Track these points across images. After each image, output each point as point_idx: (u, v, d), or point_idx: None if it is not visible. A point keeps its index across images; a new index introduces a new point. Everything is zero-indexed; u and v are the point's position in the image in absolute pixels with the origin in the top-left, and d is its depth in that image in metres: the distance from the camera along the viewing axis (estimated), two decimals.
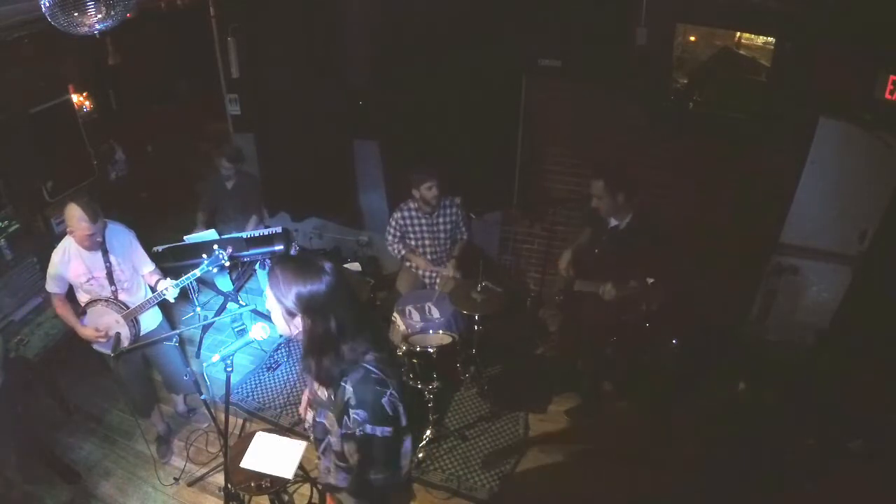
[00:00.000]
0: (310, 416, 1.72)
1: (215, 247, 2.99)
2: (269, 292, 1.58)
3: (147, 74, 5.50)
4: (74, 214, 2.65)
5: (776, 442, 3.15)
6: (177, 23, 4.70)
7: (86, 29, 2.15)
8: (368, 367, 1.55)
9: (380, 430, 1.53)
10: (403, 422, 1.60)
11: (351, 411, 1.52)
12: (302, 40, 4.07)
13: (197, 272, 2.91)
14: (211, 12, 4.39)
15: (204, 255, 2.96)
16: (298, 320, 1.55)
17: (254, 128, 4.71)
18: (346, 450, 1.58)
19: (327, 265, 1.55)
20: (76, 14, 2.09)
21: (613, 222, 3.08)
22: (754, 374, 3.58)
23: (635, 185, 3.00)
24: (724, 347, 3.73)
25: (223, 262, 2.97)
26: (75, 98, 4.78)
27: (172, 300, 2.96)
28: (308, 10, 3.96)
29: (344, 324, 1.54)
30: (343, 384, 1.54)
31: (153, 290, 2.99)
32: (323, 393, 1.63)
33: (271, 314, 1.62)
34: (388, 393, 1.55)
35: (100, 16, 2.12)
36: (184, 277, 2.90)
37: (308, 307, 1.52)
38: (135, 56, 5.14)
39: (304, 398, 1.95)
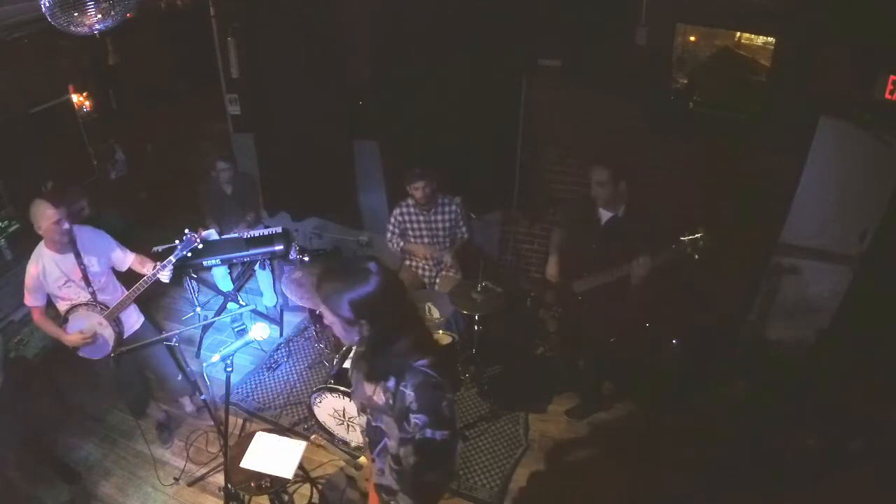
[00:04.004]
0: (363, 419, 1.72)
1: (186, 230, 2.98)
2: (322, 308, 1.58)
3: (147, 74, 5.49)
4: (38, 207, 2.68)
5: (776, 442, 3.15)
6: (177, 23, 4.70)
7: (86, 29, 2.15)
8: (427, 371, 1.55)
9: (439, 434, 1.53)
10: (457, 424, 1.63)
11: (412, 416, 1.52)
12: (302, 40, 4.07)
13: (172, 258, 2.90)
14: (211, 12, 4.39)
15: (176, 241, 2.96)
16: (358, 328, 1.55)
17: (253, 128, 4.71)
18: (403, 453, 1.59)
19: (372, 265, 1.54)
20: (76, 14, 2.10)
21: (608, 215, 3.03)
22: (754, 374, 3.58)
23: (634, 174, 2.98)
24: (724, 347, 3.73)
25: (197, 244, 2.96)
26: (75, 98, 4.79)
27: (166, 280, 2.96)
28: (308, 10, 3.96)
29: (396, 321, 1.55)
30: (403, 389, 1.54)
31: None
32: (380, 398, 1.62)
33: (333, 328, 1.61)
34: (447, 397, 1.56)
35: (100, 16, 2.13)
36: (167, 260, 2.89)
37: (362, 311, 1.51)
38: (135, 56, 5.13)
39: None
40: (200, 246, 2.99)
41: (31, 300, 2.89)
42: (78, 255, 2.85)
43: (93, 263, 2.91)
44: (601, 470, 3.20)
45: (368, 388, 1.66)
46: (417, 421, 1.52)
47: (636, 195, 3.01)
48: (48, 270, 2.82)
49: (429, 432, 1.52)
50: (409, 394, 1.53)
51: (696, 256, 2.73)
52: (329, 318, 1.59)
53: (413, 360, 1.56)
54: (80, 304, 2.89)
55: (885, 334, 3.12)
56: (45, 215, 2.68)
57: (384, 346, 1.56)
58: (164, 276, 2.93)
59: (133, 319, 3.14)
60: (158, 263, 2.92)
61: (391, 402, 1.58)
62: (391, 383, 1.58)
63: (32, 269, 2.82)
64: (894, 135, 3.12)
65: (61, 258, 2.83)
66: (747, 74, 3.54)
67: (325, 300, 1.55)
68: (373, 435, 1.70)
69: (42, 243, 2.81)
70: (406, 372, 1.55)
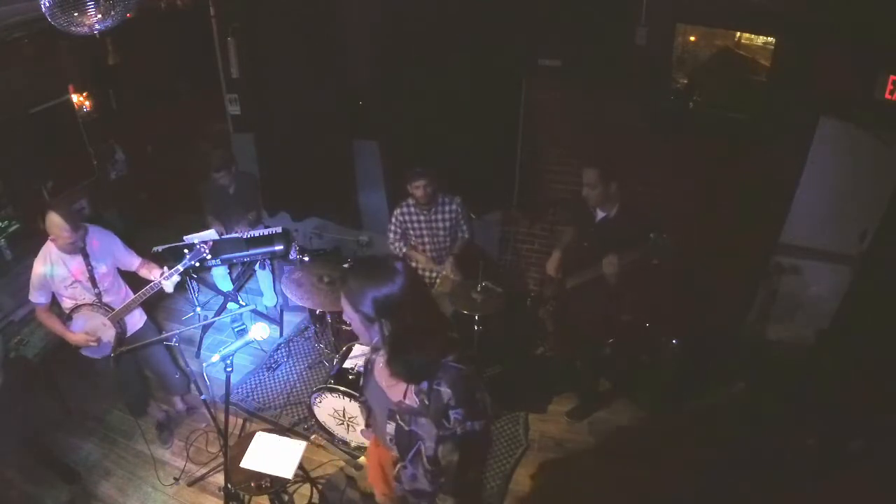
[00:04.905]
0: (390, 427, 1.69)
1: (196, 241, 3.00)
2: (344, 302, 1.57)
3: (147, 74, 5.49)
4: (56, 223, 2.68)
5: (776, 442, 3.15)
6: (177, 23, 4.70)
7: (86, 29, 2.15)
8: (456, 365, 1.57)
9: (478, 425, 1.56)
10: (490, 410, 1.64)
11: (451, 412, 1.53)
12: (302, 40, 4.07)
13: (180, 266, 2.92)
14: (211, 12, 4.39)
15: (186, 251, 2.97)
16: (378, 327, 1.55)
17: (254, 128, 4.71)
18: (442, 452, 1.59)
19: (398, 265, 1.56)
20: (76, 14, 2.10)
21: (601, 214, 3.05)
22: (754, 374, 3.58)
23: (624, 174, 2.99)
24: (724, 347, 3.73)
25: (205, 254, 2.98)
26: (75, 98, 4.78)
27: (170, 290, 2.98)
28: (308, 11, 3.96)
29: (419, 324, 1.55)
30: (437, 388, 1.55)
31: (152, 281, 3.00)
32: (412, 400, 1.62)
33: (351, 325, 1.61)
34: (480, 386, 1.58)
35: (100, 16, 2.13)
36: (172, 269, 2.92)
37: (384, 309, 1.52)
38: (135, 56, 5.13)
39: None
40: (209, 257, 3.00)
41: (36, 297, 2.89)
42: (86, 256, 2.86)
43: (100, 265, 2.92)
44: (601, 470, 3.20)
45: (395, 394, 1.65)
46: (457, 416, 1.53)
47: (631, 195, 3.02)
48: (55, 270, 2.82)
49: (469, 425, 1.54)
50: (446, 391, 1.54)
51: (655, 261, 2.75)
52: (349, 314, 1.58)
53: (442, 357, 1.58)
54: (84, 304, 2.90)
55: (885, 334, 3.12)
56: (60, 235, 2.70)
57: (409, 347, 1.55)
58: (168, 285, 2.93)
59: (136, 318, 3.14)
60: (166, 270, 2.92)
61: (426, 402, 1.58)
62: (424, 384, 1.59)
63: (39, 268, 2.82)
64: (894, 135, 3.12)
65: (69, 258, 2.84)
66: (747, 74, 3.54)
67: (347, 294, 1.56)
68: (406, 440, 1.66)
69: (50, 242, 2.82)
70: (437, 370, 1.57)
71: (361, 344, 1.75)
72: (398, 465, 1.68)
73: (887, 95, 2.89)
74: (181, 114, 5.75)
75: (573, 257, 3.19)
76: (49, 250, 2.82)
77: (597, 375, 3.62)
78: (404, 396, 1.63)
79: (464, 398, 1.54)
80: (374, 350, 1.78)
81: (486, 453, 1.68)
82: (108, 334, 2.98)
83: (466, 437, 1.56)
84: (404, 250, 3.90)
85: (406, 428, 1.63)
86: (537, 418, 3.54)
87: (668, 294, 3.44)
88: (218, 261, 3.94)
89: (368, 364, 1.84)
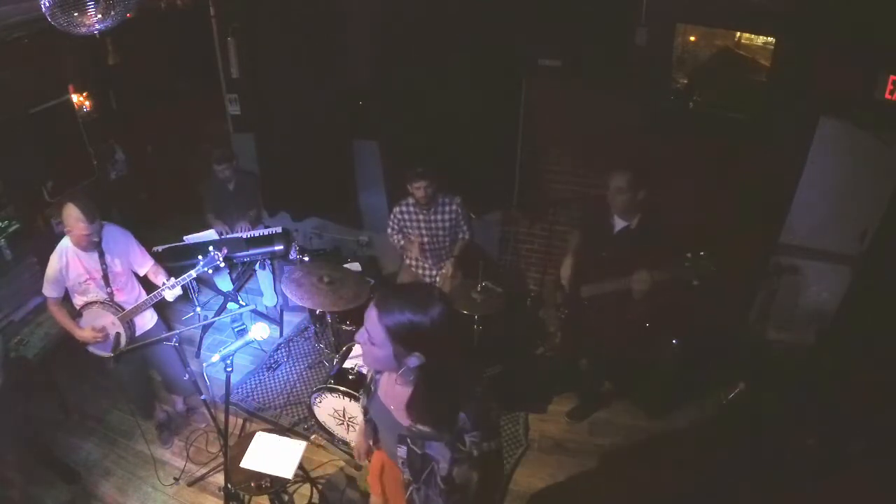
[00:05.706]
0: (401, 451, 1.64)
1: (211, 248, 3.00)
2: (374, 329, 1.48)
3: (147, 74, 5.48)
4: (72, 214, 2.68)
5: (776, 442, 3.15)
6: (177, 23, 4.69)
7: (86, 29, 2.15)
8: (472, 388, 1.57)
9: (494, 444, 1.55)
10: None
11: (466, 436, 1.51)
12: (302, 40, 4.07)
13: (193, 273, 2.92)
14: (211, 12, 4.39)
15: (200, 256, 2.97)
16: (411, 359, 1.48)
17: (253, 128, 4.71)
18: (457, 473, 1.55)
19: (437, 292, 1.52)
20: (76, 14, 2.10)
21: (621, 224, 2.98)
22: (754, 374, 3.58)
23: (654, 184, 2.90)
24: (724, 347, 3.73)
25: (218, 262, 2.98)
26: (75, 98, 4.78)
27: (171, 300, 2.97)
28: (308, 11, 3.96)
29: (453, 359, 1.53)
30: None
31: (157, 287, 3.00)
32: (424, 426, 1.59)
33: (371, 351, 1.54)
34: (492, 406, 1.57)
35: (100, 16, 2.13)
36: (181, 278, 2.91)
37: (421, 340, 1.46)
38: (135, 56, 5.13)
39: (359, 442, 1.98)
40: (222, 265, 3.00)
41: (49, 291, 2.89)
42: (102, 255, 2.86)
43: (115, 263, 2.92)
44: (601, 470, 3.20)
45: (404, 417, 1.62)
46: (473, 439, 1.51)
47: (652, 206, 2.95)
48: (71, 266, 2.83)
49: (485, 445, 1.52)
50: (461, 416, 1.51)
51: (696, 283, 2.67)
52: (377, 340, 1.49)
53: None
54: (95, 302, 2.90)
55: (885, 334, 3.12)
56: (77, 227, 2.70)
57: (443, 384, 1.52)
58: (171, 295, 2.92)
59: (146, 319, 3.13)
60: (173, 279, 2.92)
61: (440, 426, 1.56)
62: None
63: (55, 263, 2.83)
64: (894, 135, 3.12)
65: (85, 255, 2.85)
66: (747, 74, 3.54)
67: (385, 318, 1.47)
68: (419, 463, 1.62)
69: (67, 238, 2.82)
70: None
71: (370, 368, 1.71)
72: (410, 488, 1.65)
73: (887, 95, 2.89)
74: (181, 114, 5.74)
75: (590, 266, 3.11)
76: (66, 246, 2.83)
77: (598, 376, 3.62)
78: (415, 421, 1.60)
79: (479, 420, 1.51)
80: (378, 371, 1.73)
81: (502, 471, 1.63)
82: (118, 332, 2.98)
83: (484, 457, 1.52)
84: (402, 242, 3.90)
85: (419, 452, 1.60)
86: (537, 418, 3.54)
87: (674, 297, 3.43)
88: None
89: (372, 383, 1.78)
